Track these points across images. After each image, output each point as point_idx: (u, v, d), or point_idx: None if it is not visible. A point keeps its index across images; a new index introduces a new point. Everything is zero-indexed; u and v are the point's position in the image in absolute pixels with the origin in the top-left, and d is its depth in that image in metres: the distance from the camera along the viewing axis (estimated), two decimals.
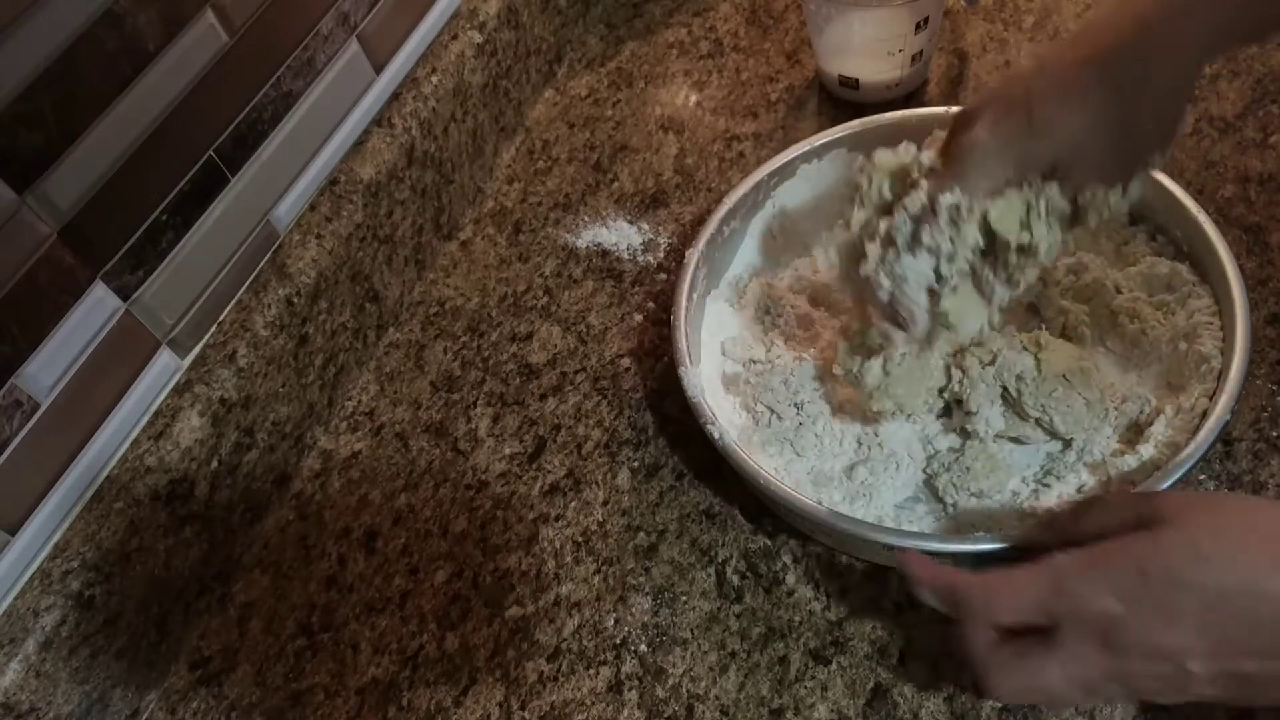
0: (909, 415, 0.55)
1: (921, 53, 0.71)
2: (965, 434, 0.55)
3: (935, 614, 0.50)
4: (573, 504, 0.59)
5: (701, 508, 0.57)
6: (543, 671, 0.53)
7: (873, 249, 0.48)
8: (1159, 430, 0.51)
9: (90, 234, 0.52)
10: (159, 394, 0.57)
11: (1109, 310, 0.57)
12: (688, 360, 0.56)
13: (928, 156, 0.48)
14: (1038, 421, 0.53)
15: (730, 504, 0.57)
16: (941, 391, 0.55)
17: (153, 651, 0.56)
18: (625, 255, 0.71)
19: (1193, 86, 0.46)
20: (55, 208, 0.50)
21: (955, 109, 0.50)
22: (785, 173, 0.64)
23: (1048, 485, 0.52)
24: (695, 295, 0.60)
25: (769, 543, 0.55)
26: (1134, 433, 0.53)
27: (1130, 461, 0.51)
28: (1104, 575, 0.39)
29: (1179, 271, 0.56)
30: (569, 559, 0.57)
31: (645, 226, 0.72)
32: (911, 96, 0.75)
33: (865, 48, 0.71)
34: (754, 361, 0.60)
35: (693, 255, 0.60)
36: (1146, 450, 0.51)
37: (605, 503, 0.59)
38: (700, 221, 0.71)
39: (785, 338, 0.61)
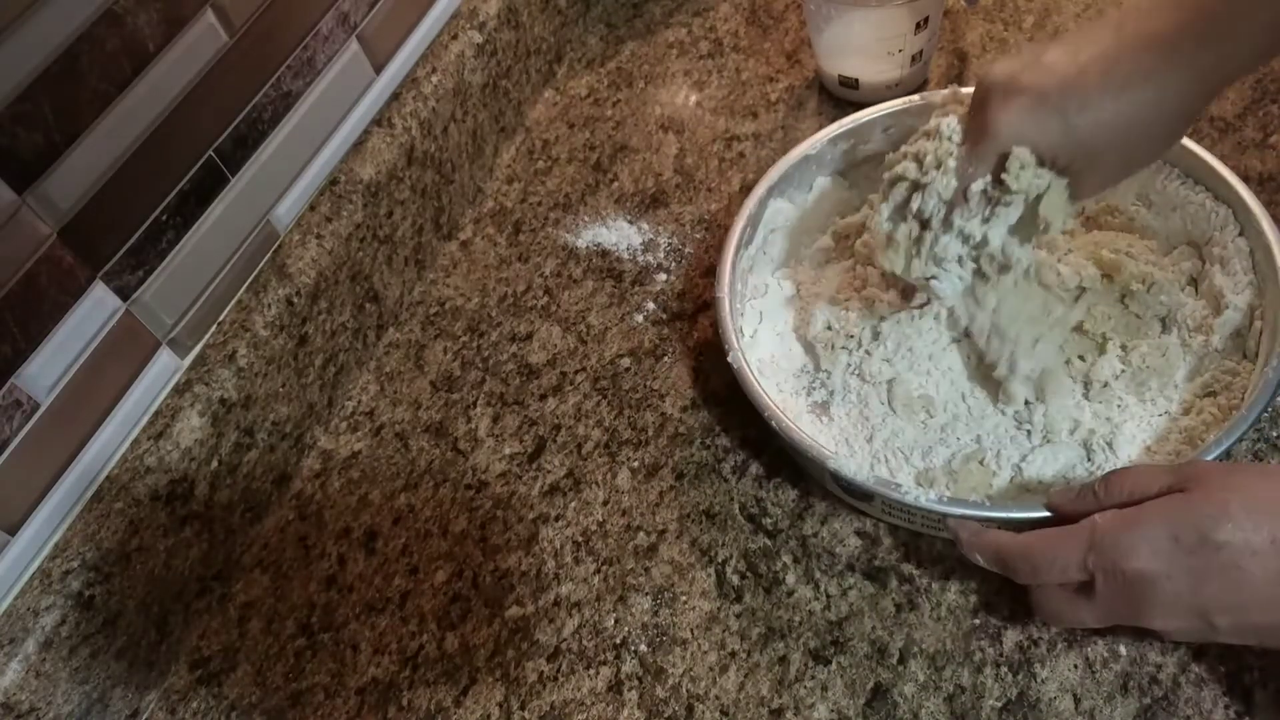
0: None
1: (921, 53, 0.71)
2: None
3: (935, 612, 0.51)
4: (573, 504, 0.59)
5: (701, 508, 0.57)
6: (543, 671, 0.53)
7: (901, 243, 0.52)
8: (1221, 280, 0.53)
9: (90, 234, 0.52)
10: (159, 394, 0.57)
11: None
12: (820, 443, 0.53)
13: (949, 126, 0.49)
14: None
15: (730, 504, 0.57)
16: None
17: (153, 651, 0.56)
18: (625, 255, 0.71)
19: (1183, 119, 0.47)
20: (55, 208, 0.50)
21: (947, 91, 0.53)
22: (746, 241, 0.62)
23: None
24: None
25: (769, 543, 0.55)
26: (1193, 287, 0.55)
27: (1233, 317, 0.52)
28: (1138, 537, 0.42)
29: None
30: (569, 559, 0.57)
31: (645, 226, 0.72)
32: None
33: (865, 48, 0.71)
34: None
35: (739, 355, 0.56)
36: (1237, 299, 0.52)
37: (605, 503, 0.59)
38: (697, 221, 0.71)
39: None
